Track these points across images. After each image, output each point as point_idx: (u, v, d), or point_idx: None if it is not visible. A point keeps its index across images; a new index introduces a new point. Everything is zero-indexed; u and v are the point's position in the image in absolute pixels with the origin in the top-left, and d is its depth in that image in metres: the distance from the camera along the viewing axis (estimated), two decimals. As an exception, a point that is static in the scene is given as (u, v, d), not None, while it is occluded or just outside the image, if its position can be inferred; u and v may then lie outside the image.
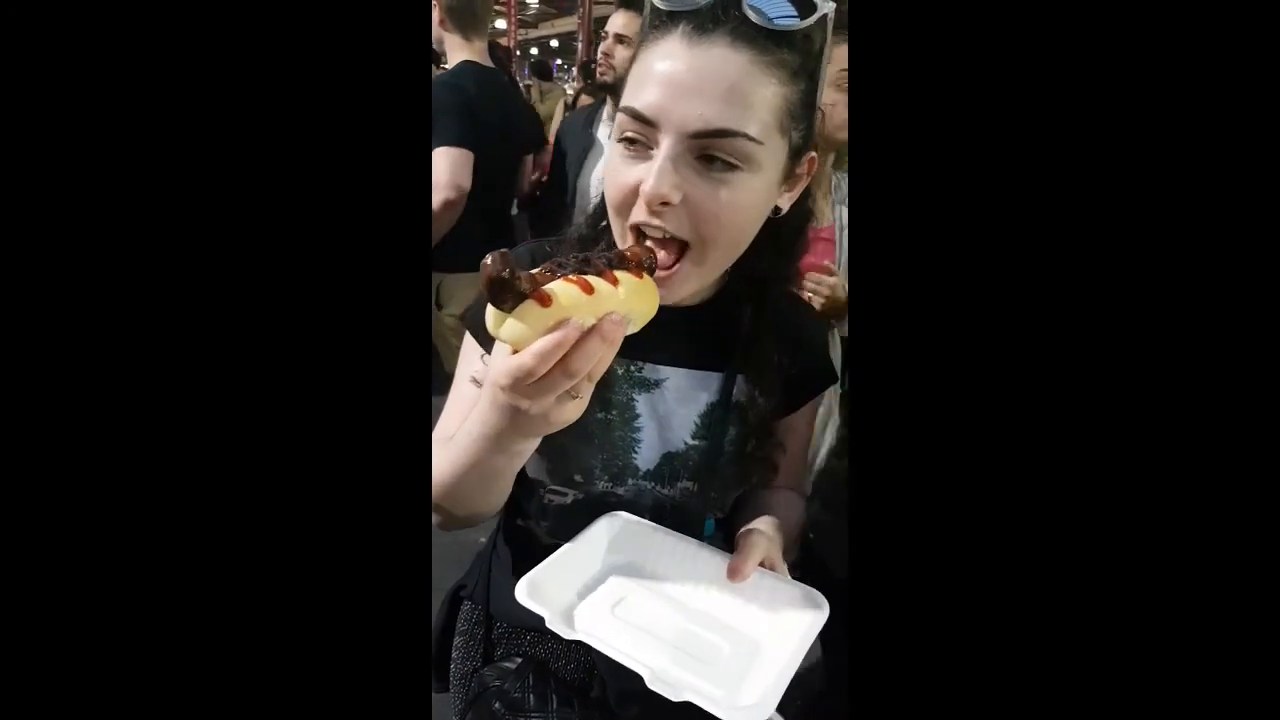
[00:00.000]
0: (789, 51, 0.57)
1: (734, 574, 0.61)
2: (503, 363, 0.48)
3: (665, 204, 0.55)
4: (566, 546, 0.65)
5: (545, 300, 0.46)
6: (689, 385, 0.71)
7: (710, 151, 0.55)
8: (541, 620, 0.73)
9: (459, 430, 0.58)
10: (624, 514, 0.69)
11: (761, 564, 0.63)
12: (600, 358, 0.47)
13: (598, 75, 2.18)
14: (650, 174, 0.55)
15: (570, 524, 0.69)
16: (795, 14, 0.56)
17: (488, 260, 0.46)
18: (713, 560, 0.65)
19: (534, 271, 0.49)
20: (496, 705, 0.69)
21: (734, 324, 0.70)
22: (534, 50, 18.24)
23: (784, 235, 0.68)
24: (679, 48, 0.55)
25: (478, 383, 0.69)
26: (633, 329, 0.53)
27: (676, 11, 0.56)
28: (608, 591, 0.65)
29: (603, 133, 2.08)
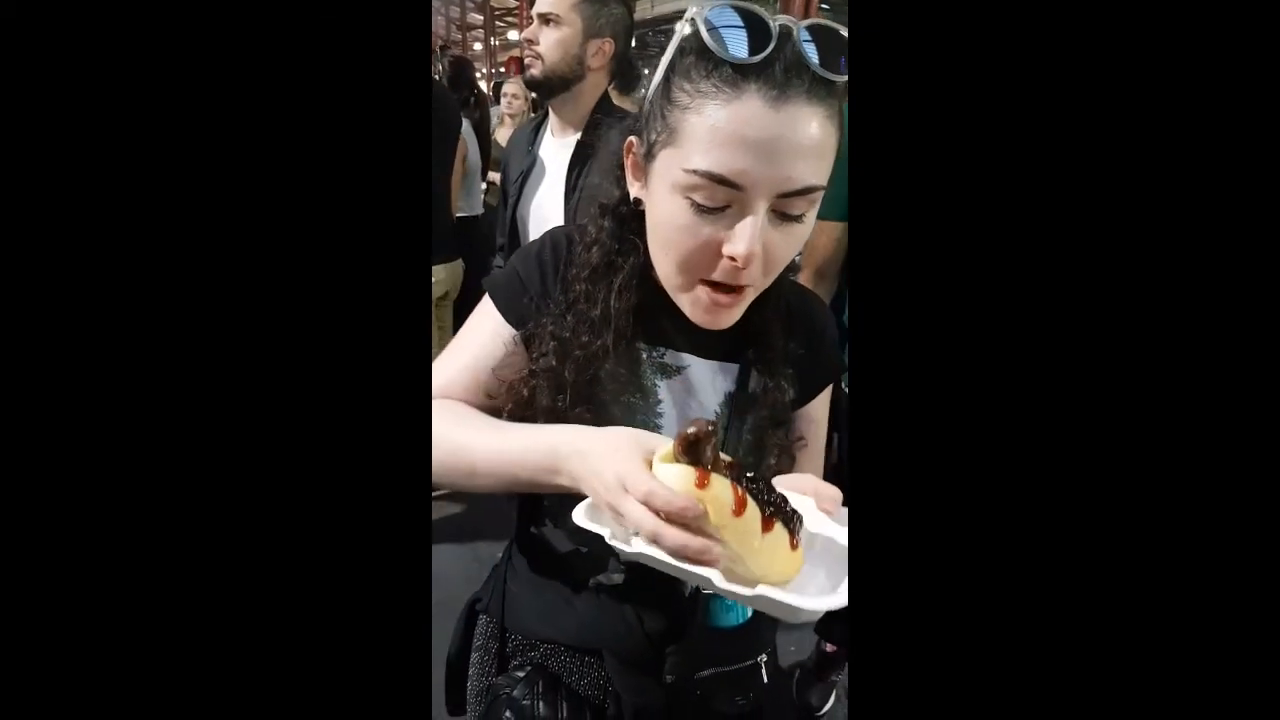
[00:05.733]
0: (836, 98, 0.59)
1: (831, 502, 0.58)
2: (635, 476, 0.50)
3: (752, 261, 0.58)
4: None
5: (702, 481, 0.49)
6: (709, 374, 0.72)
7: (791, 204, 0.58)
8: (554, 635, 0.75)
9: (550, 429, 0.61)
10: None
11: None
12: (682, 545, 0.48)
13: (524, 69, 1.66)
14: (743, 237, 0.57)
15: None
16: (843, 61, 0.57)
17: (694, 426, 0.49)
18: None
19: (728, 458, 0.52)
20: (507, 713, 0.69)
21: (749, 316, 0.71)
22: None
23: None
24: (760, 110, 0.55)
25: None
26: (740, 575, 0.51)
27: (744, 64, 0.55)
28: None
29: (546, 151, 1.67)
